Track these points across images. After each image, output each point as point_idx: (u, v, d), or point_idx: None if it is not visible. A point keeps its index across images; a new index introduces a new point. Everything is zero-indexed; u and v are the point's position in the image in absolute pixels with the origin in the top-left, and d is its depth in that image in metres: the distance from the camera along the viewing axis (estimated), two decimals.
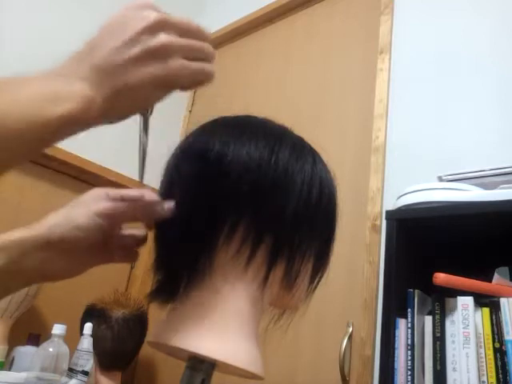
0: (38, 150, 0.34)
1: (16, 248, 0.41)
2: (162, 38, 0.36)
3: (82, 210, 0.42)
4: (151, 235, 0.47)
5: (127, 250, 0.48)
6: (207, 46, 0.40)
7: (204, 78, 0.39)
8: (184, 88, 0.39)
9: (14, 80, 0.33)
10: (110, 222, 0.43)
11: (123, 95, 0.35)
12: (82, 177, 1.63)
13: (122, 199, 0.43)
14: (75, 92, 0.33)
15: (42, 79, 0.33)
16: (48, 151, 1.33)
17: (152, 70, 0.35)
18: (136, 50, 0.35)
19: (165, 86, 0.37)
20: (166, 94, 0.38)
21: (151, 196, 0.43)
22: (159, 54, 0.35)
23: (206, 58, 0.39)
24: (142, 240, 0.47)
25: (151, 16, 0.36)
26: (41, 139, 0.33)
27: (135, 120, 0.42)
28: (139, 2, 0.37)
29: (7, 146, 0.31)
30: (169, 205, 0.43)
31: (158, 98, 0.38)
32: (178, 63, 0.36)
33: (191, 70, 0.37)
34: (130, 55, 0.35)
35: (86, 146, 1.56)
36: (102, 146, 1.66)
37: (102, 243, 0.45)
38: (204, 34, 0.40)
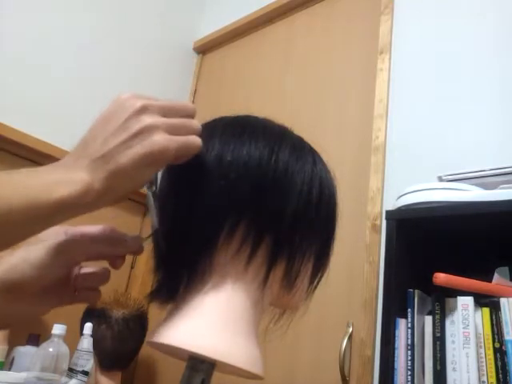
0: (36, 231, 0.36)
1: None
2: (145, 119, 0.39)
3: (39, 246, 0.41)
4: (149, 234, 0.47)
5: (89, 290, 0.47)
6: (190, 122, 0.42)
7: (192, 148, 0.41)
8: (173, 162, 0.41)
9: (27, 171, 0.36)
10: (70, 257, 0.43)
11: (117, 177, 0.37)
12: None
13: (82, 236, 0.43)
14: (75, 178, 0.36)
15: (47, 170, 0.37)
16: None
17: (139, 148, 0.38)
18: (124, 135, 0.38)
19: (154, 162, 0.39)
20: (156, 170, 0.41)
21: (114, 233, 0.44)
22: (143, 133, 0.38)
23: (190, 132, 0.41)
24: (105, 278, 0.47)
25: (136, 104, 0.39)
26: (42, 219, 0.35)
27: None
28: (124, 94, 0.40)
29: (9, 224, 0.33)
30: (133, 239, 0.45)
31: (149, 175, 0.41)
32: (161, 138, 0.38)
33: (177, 144, 0.39)
34: (119, 140, 0.38)
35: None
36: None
37: (62, 283, 0.44)
38: (189, 110, 0.43)
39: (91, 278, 0.46)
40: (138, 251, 0.46)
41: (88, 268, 0.46)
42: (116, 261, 0.45)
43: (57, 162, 0.39)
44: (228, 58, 2.06)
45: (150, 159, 0.38)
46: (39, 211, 0.34)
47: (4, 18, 1.56)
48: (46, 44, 1.66)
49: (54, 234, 0.42)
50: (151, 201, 0.44)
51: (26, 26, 1.61)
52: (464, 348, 0.76)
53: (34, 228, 0.36)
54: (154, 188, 0.44)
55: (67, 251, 0.42)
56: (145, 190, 0.44)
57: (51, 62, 1.66)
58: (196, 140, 0.41)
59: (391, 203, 0.99)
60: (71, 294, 0.46)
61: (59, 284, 0.43)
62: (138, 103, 0.39)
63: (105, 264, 0.45)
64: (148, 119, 0.39)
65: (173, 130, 0.40)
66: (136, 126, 0.38)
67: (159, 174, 0.45)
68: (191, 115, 0.43)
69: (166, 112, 0.41)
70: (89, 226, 0.44)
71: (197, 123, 0.42)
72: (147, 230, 0.46)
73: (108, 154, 0.38)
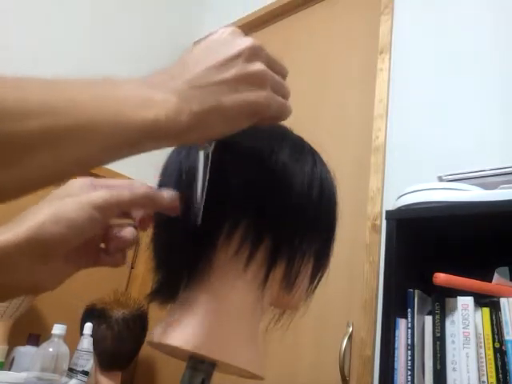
0: (116, 155, 0.32)
1: None
2: (259, 65, 0.36)
3: (73, 202, 0.35)
4: (149, 233, 0.47)
5: (115, 252, 0.42)
6: (287, 85, 0.40)
7: (287, 113, 0.39)
8: (267, 121, 0.38)
9: (105, 80, 0.32)
10: (106, 215, 0.37)
11: (212, 115, 0.34)
12: None
13: (119, 194, 0.37)
14: (166, 101, 0.32)
15: (134, 84, 0.33)
16: None
17: (246, 95, 0.35)
18: (232, 72, 0.35)
19: (253, 114, 0.36)
20: (251, 123, 0.37)
21: (144, 186, 0.39)
22: (254, 81, 0.35)
23: (287, 95, 0.39)
24: (134, 240, 0.42)
25: (248, 42, 0.36)
26: (124, 143, 0.31)
27: None
28: (232, 28, 0.37)
29: (89, 144, 0.29)
30: (169, 194, 0.39)
31: (243, 126, 0.37)
32: (269, 94, 0.36)
33: (278, 104, 0.37)
34: (225, 76, 0.34)
35: None
36: None
37: (90, 244, 0.40)
38: (286, 72, 0.40)
39: (121, 239, 0.41)
40: (173, 209, 0.40)
41: (118, 229, 0.41)
42: (145, 222, 0.41)
43: (141, 77, 0.34)
44: None
45: (252, 111, 0.36)
46: (123, 134, 0.30)
47: (4, 19, 1.56)
48: (46, 44, 1.65)
49: (85, 188, 0.38)
50: (202, 164, 0.40)
51: (26, 26, 1.61)
52: (464, 348, 0.76)
53: (108, 155, 0.31)
54: (210, 149, 0.40)
55: (105, 208, 0.36)
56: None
57: (50, 63, 1.66)
58: (290, 107, 0.39)
59: (391, 203, 0.99)
60: (98, 255, 0.42)
61: (87, 245, 0.39)
62: (251, 42, 0.36)
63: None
64: (260, 66, 0.36)
65: (275, 88, 0.37)
66: (249, 67, 0.35)
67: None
68: (286, 76, 0.40)
69: (271, 64, 0.38)
70: (118, 181, 0.40)
71: (289, 88, 0.40)
72: (148, 230, 0.45)
73: (210, 86, 0.34)
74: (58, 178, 0.31)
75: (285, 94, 0.39)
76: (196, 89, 0.34)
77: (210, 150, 0.41)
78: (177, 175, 0.44)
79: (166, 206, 0.39)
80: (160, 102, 0.32)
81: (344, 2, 1.68)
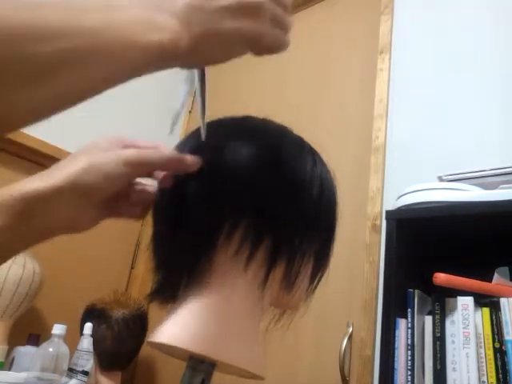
0: (120, 79, 0.34)
1: (33, 202, 0.37)
2: None
3: (108, 156, 0.39)
4: (149, 234, 0.47)
5: (138, 205, 0.46)
6: (288, 18, 0.41)
7: (282, 46, 0.40)
8: (261, 52, 0.39)
9: (112, 4, 0.33)
10: (137, 171, 0.41)
11: (210, 40, 0.35)
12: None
13: (140, 147, 0.42)
14: (169, 24, 0.33)
15: (136, 6, 0.34)
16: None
17: (244, 24, 0.36)
18: (232, 0, 0.36)
19: (249, 43, 0.37)
20: (245, 52, 0.39)
21: (170, 148, 0.43)
22: (252, 10, 0.36)
23: (286, 28, 0.40)
24: (153, 195, 0.46)
25: None
26: (128, 66, 0.33)
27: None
28: None
29: (95, 66, 0.31)
30: (192, 158, 0.42)
31: (239, 54, 0.38)
32: (267, 25, 0.37)
33: (275, 36, 0.38)
34: (225, 3, 0.35)
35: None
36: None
37: (118, 195, 0.43)
38: (289, 5, 0.41)
39: (143, 193, 0.45)
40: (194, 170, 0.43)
41: (141, 184, 0.46)
42: (166, 179, 0.44)
43: None
44: None
45: (246, 38, 0.37)
46: (132, 56, 0.31)
47: None
48: None
49: (115, 145, 0.41)
50: (199, 82, 0.42)
51: None
52: (464, 348, 0.76)
53: (123, 75, 0.33)
54: (203, 70, 0.42)
55: (136, 164, 0.40)
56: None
57: None
58: (286, 40, 0.40)
59: (391, 203, 0.99)
60: (120, 207, 0.45)
61: (112, 196, 0.42)
62: None
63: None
64: None
65: (274, 20, 0.38)
66: None
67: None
68: (288, 10, 0.41)
69: None
70: (144, 142, 0.44)
71: (291, 21, 0.41)
72: (147, 230, 0.46)
73: (210, 11, 0.35)
74: (85, 94, 0.32)
75: (284, 27, 0.40)
76: (196, 11, 0.35)
77: (203, 69, 0.42)
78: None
79: (188, 169, 0.42)
80: (163, 25, 0.33)
81: (344, 2, 1.68)
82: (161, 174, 0.45)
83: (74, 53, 0.29)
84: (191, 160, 0.42)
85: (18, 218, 0.38)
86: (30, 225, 0.38)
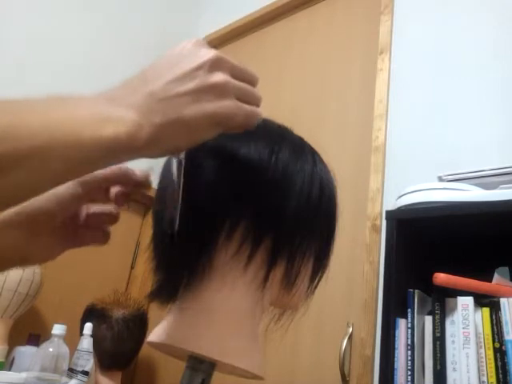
0: (80, 172, 0.33)
1: None
2: (220, 76, 0.36)
3: None
4: (149, 234, 0.47)
5: (98, 230, 0.46)
6: (257, 92, 0.40)
7: (255, 119, 0.39)
8: (234, 130, 0.38)
9: (63, 99, 0.32)
10: (87, 189, 0.42)
11: (174, 128, 0.34)
12: None
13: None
14: (125, 117, 0.32)
15: (92, 102, 0.33)
16: None
17: (208, 106, 0.35)
18: (192, 84, 0.35)
19: (217, 124, 0.36)
20: (215, 133, 0.37)
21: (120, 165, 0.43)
22: (215, 91, 0.35)
23: (255, 102, 0.39)
24: (114, 218, 0.46)
25: (209, 54, 0.36)
26: (85, 160, 0.32)
27: None
28: (195, 39, 0.37)
29: (51, 163, 0.30)
30: (141, 171, 0.43)
31: (208, 136, 0.37)
32: (232, 103, 0.36)
33: (244, 112, 0.37)
34: (186, 89, 0.34)
35: None
36: None
37: (72, 224, 0.44)
38: (255, 80, 0.40)
39: (101, 216, 0.46)
40: (145, 185, 0.45)
41: (98, 207, 0.46)
42: (121, 197, 0.45)
43: (102, 92, 0.34)
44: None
45: (215, 121, 0.36)
46: (83, 152, 0.30)
47: (6, 20, 1.56)
48: (46, 45, 1.65)
49: None
50: (176, 170, 0.41)
51: (27, 27, 1.61)
52: (464, 348, 0.76)
53: (73, 173, 0.32)
54: (182, 156, 0.41)
55: (86, 182, 0.41)
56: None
57: (50, 65, 1.66)
58: (259, 112, 0.39)
59: (391, 203, 0.99)
60: (81, 235, 0.46)
61: (70, 224, 0.43)
62: (213, 54, 0.36)
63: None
64: (222, 76, 0.36)
65: (241, 96, 0.38)
66: (209, 79, 0.35)
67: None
68: (255, 84, 0.40)
69: (237, 73, 0.38)
70: None
71: (259, 94, 0.40)
72: (147, 230, 0.46)
73: (171, 99, 0.34)
74: (33, 192, 0.32)
75: (252, 101, 0.39)
76: (157, 102, 0.34)
77: (182, 157, 0.41)
78: (166, 180, 0.46)
79: (138, 181, 0.44)
80: (119, 119, 0.32)
81: (344, 2, 1.68)
82: (116, 191, 0.45)
83: (16, 155, 0.28)
84: (140, 172, 0.44)
85: None
86: None
